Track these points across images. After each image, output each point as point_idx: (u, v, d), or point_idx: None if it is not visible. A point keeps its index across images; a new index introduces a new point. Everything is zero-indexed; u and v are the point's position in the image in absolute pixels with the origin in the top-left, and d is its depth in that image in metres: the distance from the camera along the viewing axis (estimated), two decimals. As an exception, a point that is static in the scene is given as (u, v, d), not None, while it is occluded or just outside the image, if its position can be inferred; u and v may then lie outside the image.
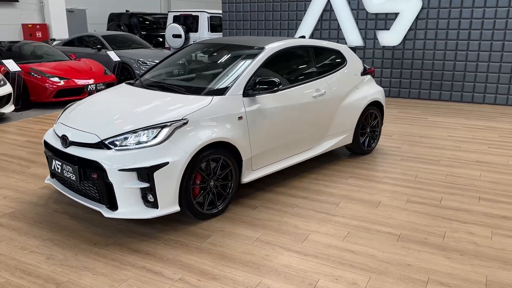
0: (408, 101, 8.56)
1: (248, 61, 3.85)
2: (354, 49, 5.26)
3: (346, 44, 8.96)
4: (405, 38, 8.59)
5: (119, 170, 2.96)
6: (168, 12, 13.28)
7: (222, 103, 3.46)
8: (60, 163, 3.32)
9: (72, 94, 7.83)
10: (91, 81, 8.08)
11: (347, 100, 4.67)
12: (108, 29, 14.69)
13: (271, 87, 3.66)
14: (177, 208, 3.15)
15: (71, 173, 3.21)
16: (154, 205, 3.06)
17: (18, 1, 13.22)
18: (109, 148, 3.06)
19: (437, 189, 4.07)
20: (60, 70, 8.01)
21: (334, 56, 4.77)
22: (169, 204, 3.10)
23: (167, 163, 3.01)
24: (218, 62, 4.33)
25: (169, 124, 3.13)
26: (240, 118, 3.53)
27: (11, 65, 7.39)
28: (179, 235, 3.17)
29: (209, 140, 3.23)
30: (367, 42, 8.94)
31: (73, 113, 3.62)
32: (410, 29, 8.48)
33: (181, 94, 3.60)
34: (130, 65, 9.68)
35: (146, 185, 3.00)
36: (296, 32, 9.34)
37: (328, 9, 9.12)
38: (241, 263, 2.81)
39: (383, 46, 8.84)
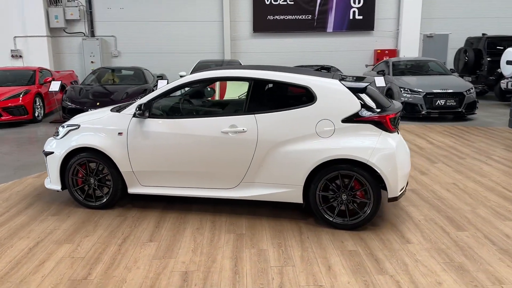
0: None
1: (160, 87, 4.22)
2: (357, 88, 3.87)
3: None
4: None
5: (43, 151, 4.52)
6: None
7: (112, 118, 4.19)
8: None
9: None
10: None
11: (289, 147, 3.80)
12: (455, 55, 13.91)
13: (157, 115, 4.03)
14: (58, 187, 4.35)
15: None
16: (50, 180, 4.43)
17: (373, 30, 14.97)
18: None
19: None
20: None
21: (292, 93, 3.92)
22: (55, 183, 4.37)
23: (52, 152, 4.29)
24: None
25: (65, 126, 4.33)
26: (120, 133, 4.13)
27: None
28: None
29: (80, 144, 4.18)
30: None
31: None
32: None
33: (111, 111, 4.45)
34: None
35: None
36: None
37: None
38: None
39: None
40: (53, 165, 4.35)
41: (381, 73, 10.79)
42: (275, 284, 2.99)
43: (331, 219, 3.84)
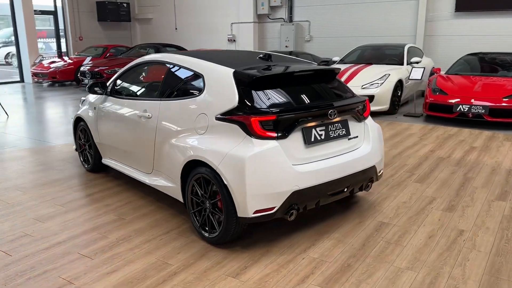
0: None
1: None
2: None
3: None
4: None
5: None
6: None
7: (98, 97, 4.87)
8: None
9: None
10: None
11: (174, 140, 3.63)
12: None
13: (101, 91, 4.64)
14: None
15: None
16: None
17: None
18: None
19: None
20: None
21: (191, 80, 3.65)
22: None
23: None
24: None
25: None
26: (94, 108, 4.83)
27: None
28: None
29: (77, 114, 5.12)
30: None
31: None
32: None
33: None
34: None
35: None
36: None
37: None
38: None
39: None
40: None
41: None
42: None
43: (196, 228, 3.52)
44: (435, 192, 4.49)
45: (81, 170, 5.32)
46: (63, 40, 17.23)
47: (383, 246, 3.38)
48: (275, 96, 3.31)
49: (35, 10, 15.66)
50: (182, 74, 3.86)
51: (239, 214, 3.13)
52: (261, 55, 3.94)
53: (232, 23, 16.30)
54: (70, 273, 3.02)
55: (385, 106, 8.66)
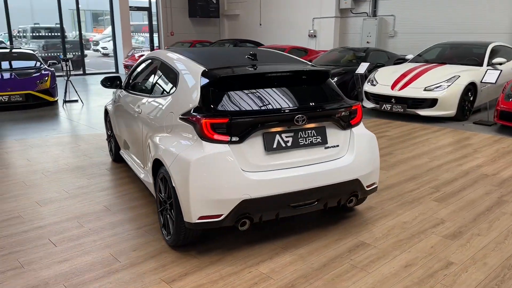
0: None
1: None
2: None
3: None
4: None
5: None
6: None
7: (119, 90, 5.06)
8: None
9: None
10: None
11: (151, 139, 3.62)
12: None
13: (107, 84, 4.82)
14: None
15: None
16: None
17: None
18: None
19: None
20: None
21: (170, 77, 3.66)
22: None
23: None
24: None
25: None
26: (114, 101, 5.07)
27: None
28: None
29: (105, 106, 5.40)
30: None
31: None
32: None
33: None
34: None
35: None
36: None
37: None
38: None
39: None
40: None
41: None
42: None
43: (160, 227, 3.49)
44: (449, 215, 3.90)
45: (108, 159, 5.63)
46: (156, 35, 18.41)
47: (345, 269, 3.02)
48: (237, 98, 3.13)
49: (130, 7, 16.92)
50: (165, 71, 3.86)
51: (185, 219, 3.04)
52: (249, 54, 3.75)
53: (314, 18, 15.93)
54: (28, 257, 3.20)
55: (450, 112, 7.76)
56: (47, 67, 10.16)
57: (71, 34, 22.32)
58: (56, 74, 10.14)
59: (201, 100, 3.14)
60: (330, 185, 3.26)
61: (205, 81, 3.20)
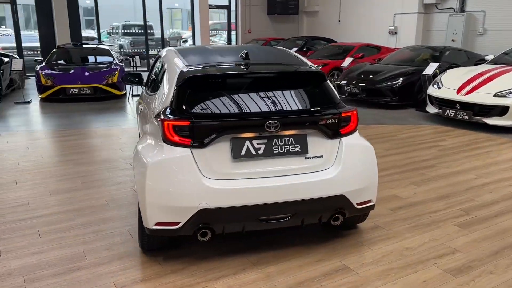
0: None
1: None
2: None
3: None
4: None
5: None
6: None
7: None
8: None
9: None
10: None
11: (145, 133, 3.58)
12: None
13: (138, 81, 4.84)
14: None
15: None
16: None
17: None
18: None
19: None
20: None
21: (162, 76, 3.59)
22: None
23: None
24: None
25: None
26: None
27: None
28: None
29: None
30: None
31: None
32: None
33: None
34: None
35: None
36: None
37: None
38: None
39: None
40: None
41: None
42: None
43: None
44: (466, 244, 3.31)
45: (137, 153, 5.74)
46: (233, 33, 18.67)
47: (308, 297, 2.68)
48: (207, 99, 2.93)
49: (210, 5, 17.32)
50: (161, 69, 3.78)
51: (144, 224, 2.92)
52: (242, 53, 3.51)
53: (395, 14, 14.93)
54: (10, 245, 3.33)
55: (525, 122, 6.72)
56: (118, 63, 10.77)
57: (168, 32, 23.58)
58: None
59: (171, 100, 3.00)
60: (308, 200, 2.92)
61: (180, 81, 3.05)
